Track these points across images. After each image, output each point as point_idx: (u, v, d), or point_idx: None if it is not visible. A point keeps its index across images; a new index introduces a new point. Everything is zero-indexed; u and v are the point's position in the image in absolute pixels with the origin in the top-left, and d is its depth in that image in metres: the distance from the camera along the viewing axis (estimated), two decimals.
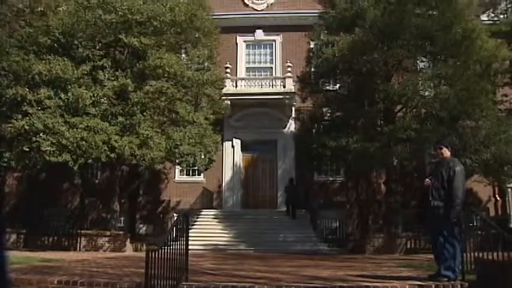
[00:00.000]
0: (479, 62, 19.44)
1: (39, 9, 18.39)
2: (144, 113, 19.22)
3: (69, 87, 18.14)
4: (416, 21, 19.05)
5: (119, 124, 18.83)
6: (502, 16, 24.51)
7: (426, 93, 20.08)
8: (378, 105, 20.12)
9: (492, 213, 25.46)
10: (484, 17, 24.39)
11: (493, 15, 24.68)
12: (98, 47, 19.22)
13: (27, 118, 17.53)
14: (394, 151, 19.38)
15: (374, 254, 18.85)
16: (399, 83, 20.19)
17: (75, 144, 17.54)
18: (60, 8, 19.33)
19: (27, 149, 17.52)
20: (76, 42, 19.00)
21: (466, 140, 18.69)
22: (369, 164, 20.14)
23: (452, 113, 18.81)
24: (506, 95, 22.71)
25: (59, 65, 18.02)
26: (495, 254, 7.59)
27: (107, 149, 18.11)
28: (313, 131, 23.69)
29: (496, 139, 18.90)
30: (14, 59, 18.15)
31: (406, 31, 19.22)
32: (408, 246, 19.67)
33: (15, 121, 17.50)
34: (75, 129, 17.69)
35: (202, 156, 20.98)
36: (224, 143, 26.54)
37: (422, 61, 22.22)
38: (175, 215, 24.95)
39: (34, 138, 17.35)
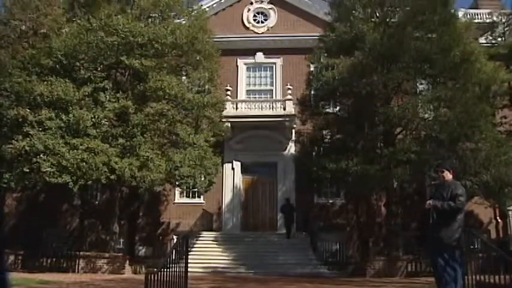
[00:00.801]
0: (478, 84, 19.59)
1: (42, 31, 18.54)
2: (145, 135, 19.28)
3: (71, 108, 18.26)
4: (416, 44, 19.21)
5: (119, 146, 18.88)
6: (500, 39, 24.79)
7: (426, 116, 20.18)
8: (377, 127, 20.17)
9: (493, 235, 25.31)
10: (482, 40, 24.65)
11: (491, 38, 24.96)
12: (99, 69, 19.40)
13: (28, 139, 17.60)
14: (394, 173, 19.34)
15: (375, 277, 18.71)
16: (399, 105, 20.25)
17: (75, 166, 17.58)
18: (63, 30, 19.49)
19: (27, 170, 17.54)
20: (78, 64, 19.18)
21: (466, 162, 18.69)
22: (369, 186, 20.09)
23: (452, 135, 18.84)
24: (505, 117, 22.80)
25: (61, 86, 18.16)
26: (496, 277, 7.54)
27: (107, 170, 18.14)
28: (313, 153, 23.62)
29: (496, 161, 18.93)
30: (16, 80, 18.27)
31: (406, 54, 19.36)
32: (409, 269, 19.52)
33: (15, 142, 17.55)
34: (75, 151, 17.75)
35: (202, 178, 20.99)
36: (224, 165, 26.50)
37: (421, 83, 22.33)
38: (175, 237, 24.81)
39: (34, 159, 17.39)
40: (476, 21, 25.24)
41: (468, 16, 26.69)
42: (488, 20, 26.05)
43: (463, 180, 16.48)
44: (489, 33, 25.12)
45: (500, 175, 18.83)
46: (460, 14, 23.82)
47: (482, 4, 30.98)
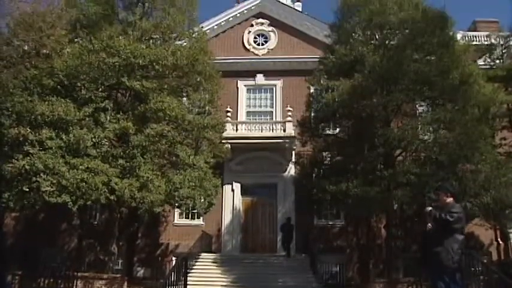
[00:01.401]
0: (477, 106, 19.70)
1: (44, 51, 18.69)
2: (145, 156, 19.28)
3: (71, 128, 18.29)
4: (415, 67, 19.33)
5: (119, 166, 18.87)
6: (498, 61, 25.00)
7: (425, 138, 20.22)
8: (377, 149, 20.17)
9: (495, 257, 25.13)
10: (480, 62, 24.85)
11: (489, 60, 25.15)
12: (100, 89, 19.47)
13: (28, 158, 17.60)
14: (394, 195, 19.30)
15: None
16: (398, 127, 20.32)
17: (75, 185, 17.55)
18: (65, 51, 19.63)
19: (27, 189, 17.52)
20: (79, 84, 19.27)
21: (466, 184, 18.67)
22: (369, 208, 20.04)
23: (452, 157, 18.85)
24: (505, 138, 22.88)
25: (62, 106, 18.22)
26: None
27: (106, 190, 18.11)
28: (313, 175, 23.59)
29: (496, 182, 18.92)
30: (17, 100, 18.34)
31: (405, 76, 19.47)
32: None
33: (15, 161, 17.55)
34: (75, 170, 17.73)
35: (202, 200, 20.92)
36: (224, 187, 26.50)
37: (421, 105, 22.42)
38: (174, 258, 24.68)
39: (34, 178, 17.38)
40: (474, 43, 25.44)
41: (466, 38, 26.92)
42: (486, 43, 26.27)
43: (463, 202, 16.50)
44: (487, 55, 25.34)
45: (500, 196, 18.82)
46: (459, 36, 24.03)
47: (480, 26, 31.36)
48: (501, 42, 25.04)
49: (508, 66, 23.67)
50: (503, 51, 24.96)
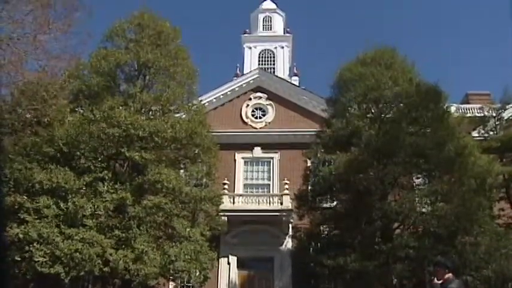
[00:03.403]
0: (474, 177, 19.80)
1: (45, 119, 18.96)
2: (141, 227, 19.16)
3: (69, 197, 18.25)
4: (411, 140, 19.61)
5: (114, 237, 18.70)
6: (491, 133, 25.39)
7: (423, 210, 20.18)
8: (375, 222, 20.09)
9: None
10: (475, 134, 25.23)
11: (483, 132, 25.54)
12: (99, 159, 19.58)
13: (23, 226, 17.43)
14: (393, 270, 19.05)
15: None
16: (396, 200, 20.32)
17: (68, 256, 17.33)
18: (66, 120, 19.88)
19: (19, 259, 17.24)
20: (79, 153, 19.40)
21: (466, 257, 18.45)
22: (368, 283, 19.70)
23: (450, 230, 18.78)
24: (503, 209, 22.87)
25: (60, 174, 18.30)
26: None
27: (100, 262, 17.87)
28: (311, 249, 23.33)
29: (497, 255, 18.73)
30: (16, 167, 18.39)
31: (401, 149, 19.71)
32: None
33: (9, 229, 17.35)
34: (70, 241, 17.57)
35: (197, 273, 20.58)
36: (220, 260, 26.02)
37: (417, 178, 22.51)
38: None
39: (27, 248, 17.15)
40: (468, 115, 25.92)
41: (460, 111, 27.45)
42: (479, 115, 26.75)
43: (463, 275, 16.26)
44: (481, 127, 25.77)
45: (501, 269, 18.57)
46: (453, 109, 24.51)
47: (472, 99, 32.11)
48: (493, 114, 25.54)
49: (502, 138, 24.04)
50: (497, 122, 25.41)
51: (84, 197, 18.54)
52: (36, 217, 17.77)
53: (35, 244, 17.20)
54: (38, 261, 17.09)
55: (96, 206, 18.51)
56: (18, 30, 15.06)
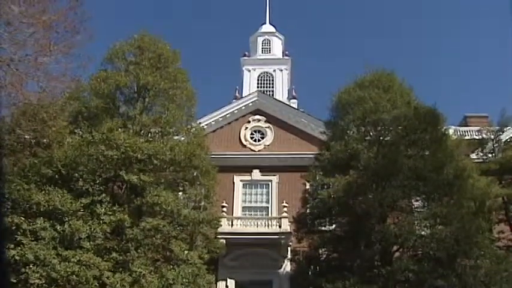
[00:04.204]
0: (473, 200, 19.82)
1: (44, 141, 18.99)
2: (139, 250, 19.08)
3: (67, 219, 18.18)
4: (409, 163, 19.65)
5: (112, 260, 18.58)
6: (490, 155, 25.51)
7: (422, 233, 20.10)
8: (374, 246, 20.01)
9: None
10: (473, 156, 25.31)
11: (481, 154, 25.63)
12: (97, 181, 19.54)
13: (19, 248, 17.31)
14: None
15: None
16: (395, 223, 20.27)
17: (65, 279, 17.19)
18: (65, 141, 19.89)
19: (15, 280, 17.06)
20: (77, 175, 19.37)
21: (466, 280, 18.32)
22: None
23: (450, 253, 18.68)
24: (502, 232, 22.82)
25: (58, 196, 18.24)
26: None
27: (97, 285, 17.73)
28: (309, 272, 23.15)
29: (497, 278, 18.61)
30: (15, 188, 18.34)
31: (400, 172, 19.73)
32: None
33: (6, 250, 17.23)
34: (66, 263, 17.43)
35: None
36: (218, 283, 25.81)
37: (416, 200, 22.47)
38: None
39: (23, 270, 17.00)
40: (466, 138, 26.04)
41: (458, 133, 27.58)
42: (477, 137, 26.86)
43: None
44: (480, 149, 25.86)
45: None
46: (451, 131, 24.64)
47: (471, 121, 32.24)
48: (492, 137, 25.67)
49: (501, 160, 24.13)
50: (495, 145, 25.52)
51: (81, 219, 18.46)
52: (32, 239, 17.68)
53: (31, 266, 17.05)
54: (34, 283, 16.92)
55: (93, 228, 18.41)
56: (20, 51, 15.14)
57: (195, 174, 22.23)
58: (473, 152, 25.72)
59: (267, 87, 39.36)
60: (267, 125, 30.91)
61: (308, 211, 23.48)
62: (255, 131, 31.01)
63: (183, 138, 22.43)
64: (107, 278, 17.78)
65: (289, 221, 25.45)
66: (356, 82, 23.08)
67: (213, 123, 30.50)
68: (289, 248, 26.13)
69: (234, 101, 33.22)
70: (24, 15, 14.84)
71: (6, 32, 14.66)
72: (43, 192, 18.42)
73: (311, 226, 22.95)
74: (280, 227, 26.15)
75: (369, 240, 20.30)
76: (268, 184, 29.24)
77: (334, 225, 23.29)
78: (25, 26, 15.07)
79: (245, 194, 29.22)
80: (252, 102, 31.70)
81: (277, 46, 43.22)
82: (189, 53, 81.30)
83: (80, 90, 21.01)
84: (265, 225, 26.47)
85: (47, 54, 15.63)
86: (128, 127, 20.93)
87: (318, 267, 22.86)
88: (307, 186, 25.45)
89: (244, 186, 29.34)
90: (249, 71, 40.57)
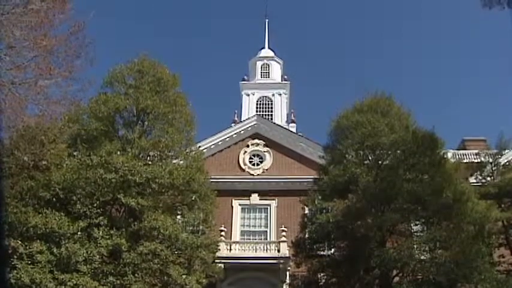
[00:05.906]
0: (472, 223, 19.73)
1: (43, 163, 18.96)
2: (136, 274, 18.94)
3: (63, 242, 18.06)
4: (408, 187, 19.62)
5: (108, 284, 18.43)
6: (489, 178, 25.46)
7: (422, 257, 19.97)
8: (373, 270, 19.90)
9: None
10: (472, 179, 25.26)
11: (480, 177, 25.59)
12: (95, 205, 19.46)
13: (15, 271, 17.14)
14: None
15: None
16: (394, 247, 20.14)
17: None
18: (64, 164, 19.85)
19: None
20: (75, 198, 19.30)
21: None
22: None
23: (450, 277, 18.54)
24: (503, 256, 22.68)
25: (56, 219, 18.16)
26: None
27: None
28: None
29: None
30: (11, 211, 18.25)
31: (399, 196, 19.70)
32: None
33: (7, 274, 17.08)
34: (63, 286, 17.30)
35: None
36: None
37: (416, 224, 22.37)
38: None
39: None
40: (465, 161, 26.02)
41: (457, 157, 27.54)
42: (476, 160, 26.86)
43: None
44: (478, 173, 25.85)
45: None
46: (449, 155, 24.60)
47: (469, 145, 32.31)
48: (490, 160, 25.68)
49: (499, 183, 24.10)
50: (493, 168, 25.52)
51: (78, 242, 18.33)
52: (29, 262, 17.52)
53: None
54: None
55: (90, 252, 18.28)
56: (20, 75, 15.20)
57: (193, 198, 22.16)
58: (471, 176, 25.73)
59: (265, 111, 39.57)
60: (266, 149, 30.99)
61: (307, 235, 23.39)
62: (254, 155, 31.06)
63: (182, 162, 22.38)
64: None
65: (288, 246, 25.32)
66: (354, 107, 23.20)
67: (212, 147, 30.56)
68: (287, 273, 25.94)
69: (233, 125, 33.38)
70: (26, 39, 14.94)
71: (7, 56, 14.73)
72: (40, 215, 18.33)
73: (310, 250, 22.83)
74: (278, 251, 26.02)
75: (368, 264, 20.18)
76: (267, 208, 29.19)
77: (333, 250, 23.20)
78: (26, 50, 15.16)
79: (244, 218, 29.15)
80: (251, 126, 31.82)
81: (276, 70, 43.55)
82: (188, 77, 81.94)
83: (80, 112, 21.08)
84: (264, 250, 26.34)
85: (48, 78, 15.68)
86: (127, 150, 20.92)
87: None
88: (306, 211, 25.39)
89: (242, 210, 29.28)
90: (248, 95, 40.83)
